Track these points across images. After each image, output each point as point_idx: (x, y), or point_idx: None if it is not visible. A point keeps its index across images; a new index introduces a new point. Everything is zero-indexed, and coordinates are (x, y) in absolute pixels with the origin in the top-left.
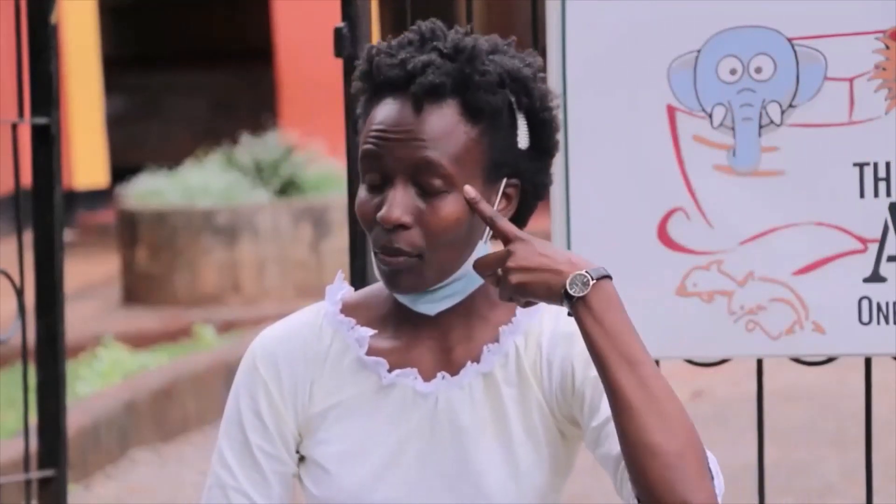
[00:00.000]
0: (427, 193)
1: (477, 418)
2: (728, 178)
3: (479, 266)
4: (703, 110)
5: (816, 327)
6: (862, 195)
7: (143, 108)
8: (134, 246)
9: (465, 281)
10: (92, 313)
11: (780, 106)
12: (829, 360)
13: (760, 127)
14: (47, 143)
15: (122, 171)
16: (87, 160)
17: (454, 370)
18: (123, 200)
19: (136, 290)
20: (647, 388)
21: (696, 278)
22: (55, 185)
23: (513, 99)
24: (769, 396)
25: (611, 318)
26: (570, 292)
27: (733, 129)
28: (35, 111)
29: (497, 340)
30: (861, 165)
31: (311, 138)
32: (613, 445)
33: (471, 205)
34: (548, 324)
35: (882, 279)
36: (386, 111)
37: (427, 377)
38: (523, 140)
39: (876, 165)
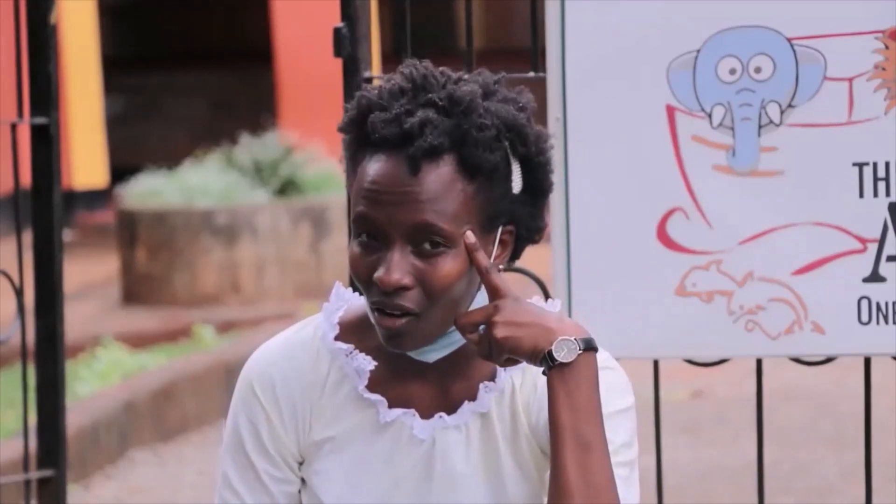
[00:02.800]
0: (426, 254)
1: (471, 460)
2: (727, 178)
3: (462, 321)
4: (703, 110)
5: (816, 327)
6: (861, 195)
7: (142, 109)
8: (133, 246)
9: None
10: (91, 313)
11: (780, 106)
12: (829, 360)
13: (760, 127)
14: (46, 143)
15: (121, 171)
16: (86, 160)
17: (451, 408)
18: (123, 200)
19: (135, 290)
20: (589, 475)
21: (696, 278)
22: (54, 185)
23: (508, 150)
24: (769, 396)
25: (581, 395)
26: (555, 355)
27: (733, 129)
28: (34, 111)
29: (493, 378)
30: (860, 165)
31: (310, 138)
32: None
33: (469, 251)
34: None
35: (881, 279)
36: (380, 169)
37: (425, 415)
38: (517, 184)
39: (875, 165)
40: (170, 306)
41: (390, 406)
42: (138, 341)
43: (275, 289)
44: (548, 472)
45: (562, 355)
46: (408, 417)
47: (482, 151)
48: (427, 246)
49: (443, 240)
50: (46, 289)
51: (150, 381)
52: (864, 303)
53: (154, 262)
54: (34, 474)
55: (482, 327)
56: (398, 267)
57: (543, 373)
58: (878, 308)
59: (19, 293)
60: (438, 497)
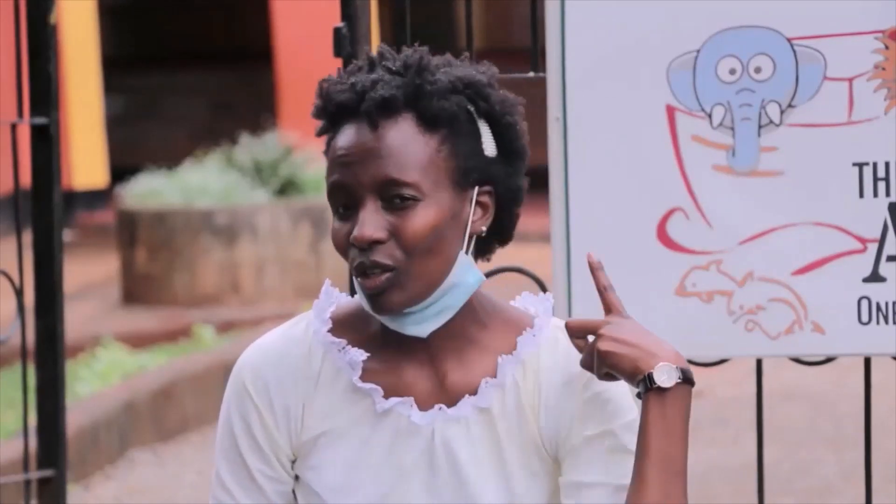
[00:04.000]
0: (396, 207)
1: (474, 453)
2: (727, 178)
3: (572, 326)
4: (703, 110)
5: (816, 327)
6: (861, 195)
7: (142, 109)
8: (133, 246)
9: (452, 296)
10: (91, 313)
11: (780, 106)
12: (829, 360)
13: (760, 127)
14: (46, 144)
15: (121, 171)
16: (86, 160)
17: (450, 400)
18: (123, 200)
19: (135, 290)
20: (671, 500)
21: (696, 278)
22: (54, 186)
23: (471, 108)
24: (769, 396)
25: (676, 423)
26: (655, 378)
27: (732, 129)
28: (34, 111)
29: (495, 374)
30: (860, 165)
31: (310, 138)
32: None
33: (591, 269)
34: (546, 359)
35: (881, 279)
36: (344, 137)
37: (422, 405)
38: (489, 147)
39: (875, 165)
40: (170, 306)
41: (386, 396)
42: (138, 341)
43: (275, 289)
44: (551, 474)
45: (662, 380)
46: (405, 407)
47: (437, 101)
48: (397, 201)
49: (411, 192)
50: (46, 289)
51: (150, 381)
52: (864, 303)
53: (154, 262)
54: (34, 474)
55: (591, 338)
56: (369, 222)
57: (638, 395)
58: (878, 308)
59: (19, 293)
60: (446, 487)
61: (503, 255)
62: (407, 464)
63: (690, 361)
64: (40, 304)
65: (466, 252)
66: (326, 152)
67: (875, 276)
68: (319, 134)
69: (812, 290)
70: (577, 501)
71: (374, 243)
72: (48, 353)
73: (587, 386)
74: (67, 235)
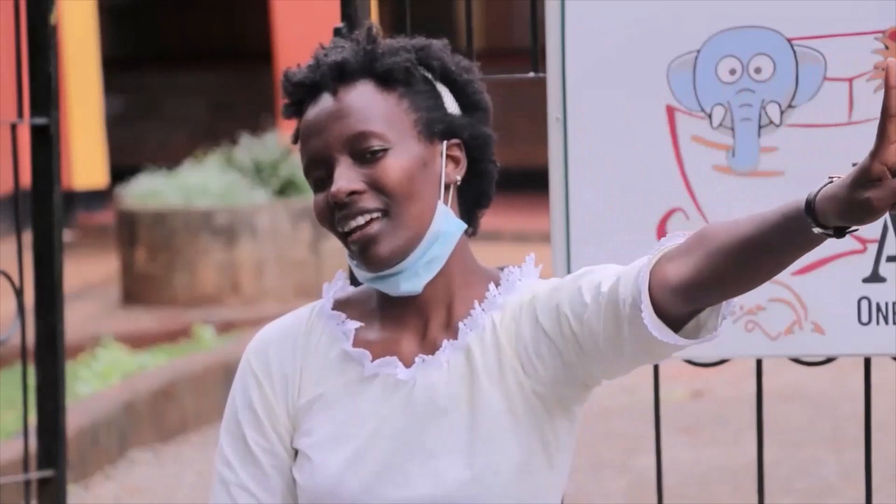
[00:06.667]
0: (368, 161)
1: (453, 393)
2: (727, 179)
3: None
4: (703, 110)
5: (816, 327)
6: None
7: (142, 109)
8: (133, 246)
9: (439, 245)
10: (91, 314)
11: (780, 106)
12: (829, 360)
13: (760, 127)
14: (46, 144)
15: (121, 171)
16: (86, 160)
17: (433, 351)
18: (122, 201)
19: (135, 290)
20: None
21: None
22: (54, 186)
23: (428, 74)
24: (769, 396)
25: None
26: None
27: (732, 129)
28: (34, 111)
29: (471, 315)
30: None
31: None
32: (619, 296)
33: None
34: (524, 299)
35: (881, 279)
36: (308, 113)
37: (408, 364)
38: (451, 106)
39: None
40: (170, 306)
41: (374, 360)
42: (138, 341)
43: (274, 289)
44: (533, 415)
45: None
46: (391, 367)
47: (388, 58)
48: (368, 155)
49: (379, 143)
50: (46, 289)
51: (149, 381)
52: (864, 303)
53: (154, 262)
54: (34, 474)
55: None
56: (343, 177)
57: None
58: (878, 308)
59: (19, 293)
60: (421, 429)
61: (504, 256)
62: (386, 414)
63: (690, 361)
64: (40, 304)
65: (445, 203)
66: (296, 140)
67: (875, 277)
68: (286, 116)
69: (812, 291)
70: (616, 311)
71: (352, 194)
72: (48, 353)
73: (530, 301)
74: (67, 235)
